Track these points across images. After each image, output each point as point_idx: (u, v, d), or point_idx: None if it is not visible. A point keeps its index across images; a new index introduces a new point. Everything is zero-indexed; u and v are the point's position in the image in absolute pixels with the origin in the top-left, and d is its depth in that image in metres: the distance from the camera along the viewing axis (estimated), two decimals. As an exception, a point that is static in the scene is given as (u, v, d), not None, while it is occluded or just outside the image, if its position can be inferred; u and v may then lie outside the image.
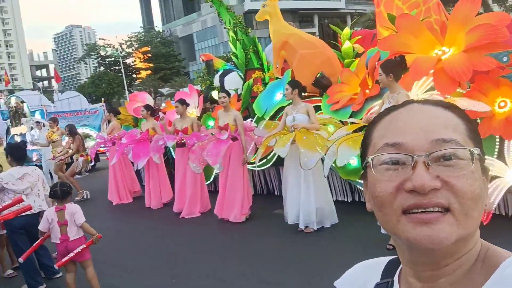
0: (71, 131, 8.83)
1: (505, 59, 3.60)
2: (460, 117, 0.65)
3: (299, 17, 52.46)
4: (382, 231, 4.21)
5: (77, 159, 8.73)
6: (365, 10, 42.04)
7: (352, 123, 4.73)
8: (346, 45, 6.56)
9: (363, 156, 0.71)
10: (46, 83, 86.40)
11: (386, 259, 0.79)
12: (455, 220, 0.59)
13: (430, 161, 0.60)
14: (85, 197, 8.69)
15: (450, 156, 0.60)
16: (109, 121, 8.94)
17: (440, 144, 0.61)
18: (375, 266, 0.80)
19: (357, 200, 5.87)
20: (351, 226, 5.05)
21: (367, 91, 5.44)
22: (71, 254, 3.71)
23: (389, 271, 0.76)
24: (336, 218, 5.13)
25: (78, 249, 3.73)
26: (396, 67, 4.07)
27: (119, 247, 5.41)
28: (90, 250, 3.90)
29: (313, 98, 6.08)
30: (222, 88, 8.00)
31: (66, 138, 9.43)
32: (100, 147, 9.50)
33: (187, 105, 6.47)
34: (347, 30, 6.70)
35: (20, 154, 4.40)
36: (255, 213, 5.97)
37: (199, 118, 7.85)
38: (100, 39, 54.35)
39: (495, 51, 4.21)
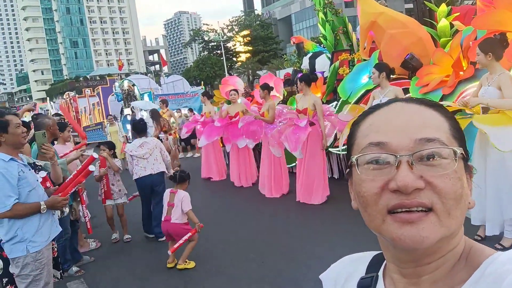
0: (154, 117, 9.56)
1: None
2: (444, 116, 0.66)
3: (404, -9, 49.08)
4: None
5: (166, 139, 9.50)
6: (482, -20, 37.82)
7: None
8: (442, 23, 6.09)
9: (348, 155, 0.72)
10: (157, 67, 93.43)
11: (371, 254, 0.81)
12: (438, 220, 0.60)
13: (414, 160, 0.60)
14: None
15: (433, 156, 0.61)
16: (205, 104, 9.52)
17: (424, 143, 0.61)
18: (360, 260, 0.81)
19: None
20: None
21: (461, 72, 5.04)
22: (180, 241, 4.16)
23: (374, 266, 0.78)
24: None
25: (186, 237, 4.15)
26: (496, 46, 3.68)
27: (208, 220, 5.84)
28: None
29: (402, 81, 5.81)
30: (310, 70, 8.03)
31: (172, 119, 10.32)
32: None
33: (270, 89, 6.62)
34: (444, 7, 6.20)
35: (140, 128, 5.34)
36: (331, 197, 5.98)
37: (285, 101, 8.00)
38: (204, 24, 57.04)
39: None
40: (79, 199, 4.60)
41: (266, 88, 6.49)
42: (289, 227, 5.23)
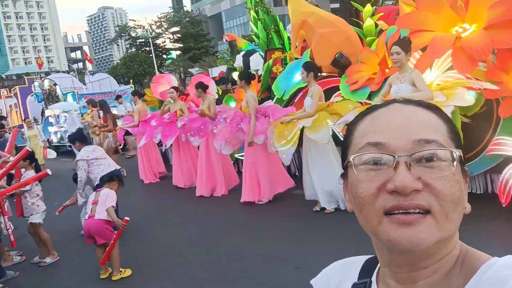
0: (104, 108, 9.14)
1: None
2: (441, 118, 0.65)
3: (329, -8, 51.07)
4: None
5: (106, 137, 9.07)
6: (398, -18, 40.39)
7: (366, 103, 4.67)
8: (368, 23, 6.39)
9: (343, 156, 0.70)
10: (80, 64, 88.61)
11: (363, 258, 0.79)
12: (436, 222, 0.59)
13: (412, 161, 0.59)
14: (125, 174, 9.08)
15: (431, 157, 0.60)
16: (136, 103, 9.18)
17: (422, 144, 0.60)
18: (352, 265, 0.79)
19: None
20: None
21: (386, 70, 5.33)
22: (108, 249, 3.92)
23: (366, 271, 0.76)
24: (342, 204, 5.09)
25: (112, 242, 3.91)
26: (409, 46, 3.97)
27: (146, 223, 5.66)
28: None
29: (332, 78, 6.01)
30: (245, 68, 8.04)
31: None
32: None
33: (205, 87, 6.54)
34: (369, 7, 6.51)
35: (84, 137, 5.48)
36: (276, 194, 6.05)
37: (220, 99, 7.96)
38: (130, 20, 55.03)
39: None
40: (0, 210, 4.21)
41: (201, 87, 6.40)
42: (233, 226, 5.21)
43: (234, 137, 5.75)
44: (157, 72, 41.33)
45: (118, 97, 9.05)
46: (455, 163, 0.61)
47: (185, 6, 66.31)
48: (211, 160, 6.49)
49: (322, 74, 6.04)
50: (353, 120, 0.71)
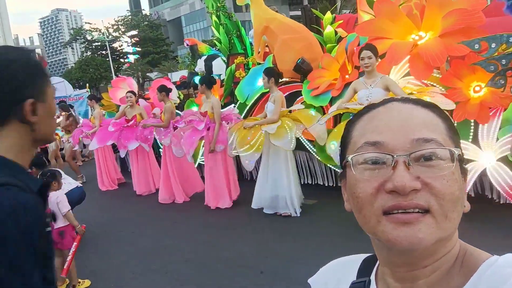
0: (64, 108, 8.76)
1: (476, 46, 3.62)
2: (440, 116, 0.65)
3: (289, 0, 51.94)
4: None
5: (68, 141, 8.70)
6: (355, -8, 41.66)
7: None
8: (328, 30, 6.53)
9: (342, 155, 0.69)
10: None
11: (361, 257, 0.79)
12: (435, 222, 0.59)
13: (411, 161, 0.59)
14: (84, 180, 8.74)
15: (430, 156, 0.59)
16: (92, 108, 8.88)
17: (421, 144, 0.60)
18: (350, 264, 0.79)
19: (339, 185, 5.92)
20: (329, 210, 5.13)
21: (346, 76, 5.45)
22: (69, 259, 3.63)
23: (365, 269, 0.75)
24: (290, 207, 5.14)
25: (73, 250, 3.66)
26: (377, 51, 4.06)
27: (104, 232, 5.46)
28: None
29: (294, 84, 6.08)
30: (207, 73, 7.98)
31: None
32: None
33: (168, 91, 6.43)
34: (329, 15, 6.66)
35: (40, 162, 4.83)
36: (239, 199, 6.03)
37: (182, 104, 7.85)
38: (86, 23, 53.47)
39: (471, 36, 4.24)
40: None
41: (164, 90, 6.28)
42: (194, 233, 5.12)
43: (188, 140, 5.65)
44: (114, 77, 40.33)
45: (92, 97, 8.61)
46: (454, 162, 0.60)
47: (143, 9, 65.06)
48: (172, 166, 6.37)
49: (285, 79, 6.11)
50: (352, 118, 0.71)
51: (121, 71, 46.91)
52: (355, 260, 0.79)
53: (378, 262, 0.72)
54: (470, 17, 4.12)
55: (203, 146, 6.23)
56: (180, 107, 7.65)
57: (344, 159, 0.66)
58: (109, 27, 49.84)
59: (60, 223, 3.82)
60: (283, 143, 4.80)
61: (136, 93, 7.58)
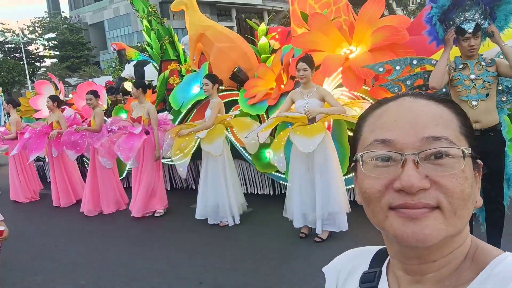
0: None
1: (380, 69, 3.90)
2: (453, 112, 0.64)
3: (217, 10, 52.30)
4: (295, 224, 4.37)
5: None
6: (281, 7, 43.09)
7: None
8: (263, 41, 6.66)
9: (352, 150, 0.70)
10: None
11: (375, 248, 0.79)
12: (444, 218, 0.58)
13: (420, 159, 0.59)
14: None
15: (440, 154, 0.59)
16: (8, 113, 8.14)
17: (431, 142, 0.59)
18: (364, 255, 0.79)
19: (277, 193, 5.98)
20: (265, 219, 5.17)
21: (282, 86, 5.58)
22: None
23: (377, 260, 0.76)
24: (238, 217, 5.13)
25: None
26: (313, 63, 4.19)
27: (23, 248, 4.97)
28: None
29: (231, 92, 6.09)
30: (137, 79, 7.71)
31: None
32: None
33: (97, 96, 6.12)
34: (263, 26, 6.80)
35: None
36: (172, 208, 5.87)
37: (110, 110, 7.50)
38: (-3, 22, 49.17)
39: (398, 51, 4.56)
40: None
41: (93, 94, 5.95)
42: (124, 245, 4.86)
43: (127, 145, 5.40)
44: (29, 81, 37.49)
45: (11, 101, 7.80)
46: (465, 159, 0.60)
47: (63, 12, 61.38)
48: (97, 176, 6.04)
49: (221, 87, 6.09)
50: (362, 114, 0.70)
51: (37, 76, 43.74)
52: (370, 251, 0.79)
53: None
54: (396, 34, 4.43)
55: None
56: (107, 113, 7.29)
57: (354, 155, 0.67)
58: (25, 29, 46.40)
59: None
60: (211, 148, 4.76)
61: (59, 97, 7.07)
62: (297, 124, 4.13)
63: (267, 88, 5.65)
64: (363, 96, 4.80)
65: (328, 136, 4.10)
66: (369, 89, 4.82)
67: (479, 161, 0.64)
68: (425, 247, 0.60)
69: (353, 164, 0.69)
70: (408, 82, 3.76)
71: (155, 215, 5.69)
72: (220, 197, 4.93)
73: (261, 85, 5.75)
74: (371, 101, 4.70)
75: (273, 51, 6.54)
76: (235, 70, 5.91)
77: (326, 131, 4.07)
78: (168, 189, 6.90)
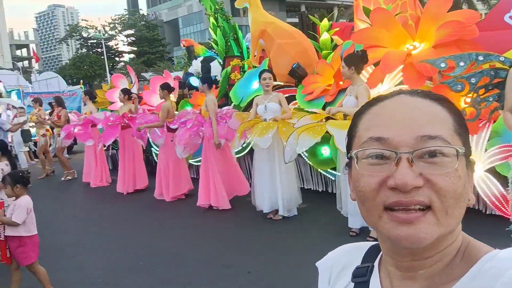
0: (59, 102, 8.73)
1: (442, 65, 3.68)
2: (449, 111, 0.64)
3: (286, 6, 52.22)
4: (349, 223, 4.34)
5: (58, 135, 8.65)
6: (352, 2, 42.09)
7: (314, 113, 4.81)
8: (324, 37, 6.60)
9: (348, 147, 0.70)
10: (26, 63, 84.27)
11: (368, 244, 0.80)
12: (436, 219, 0.59)
13: (414, 157, 0.59)
14: (75, 176, 8.69)
15: (435, 153, 0.59)
16: (85, 104, 8.85)
17: (425, 140, 0.59)
18: (357, 250, 0.80)
19: (329, 191, 5.95)
20: (318, 215, 5.16)
21: (340, 82, 5.51)
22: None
23: (370, 256, 0.77)
24: (295, 210, 5.17)
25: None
26: (357, 61, 4.15)
27: (86, 231, 5.44)
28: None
29: (289, 88, 6.13)
30: (203, 74, 8.01)
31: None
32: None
33: (171, 89, 6.46)
34: (325, 22, 6.73)
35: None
36: (235, 204, 6.02)
37: (176, 104, 7.86)
38: (82, 20, 53.29)
39: (464, 48, 4.32)
40: None
41: (167, 88, 6.29)
42: (178, 232, 5.11)
43: (191, 142, 5.68)
44: (108, 75, 40.16)
45: (88, 92, 8.58)
46: (458, 159, 0.60)
47: (141, 9, 64.83)
48: (167, 164, 6.38)
49: (279, 83, 6.16)
50: (358, 111, 0.71)
51: (116, 70, 46.77)
52: (363, 246, 0.80)
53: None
54: (463, 29, 4.20)
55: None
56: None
57: (349, 152, 0.68)
58: (106, 25, 49.74)
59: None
60: (261, 140, 4.76)
61: (130, 91, 7.56)
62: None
63: (325, 85, 5.62)
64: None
65: None
66: (432, 86, 4.61)
67: (472, 159, 0.64)
68: (417, 248, 0.61)
69: (347, 161, 0.69)
70: (473, 80, 3.55)
71: (219, 208, 5.86)
72: (274, 190, 4.99)
73: (320, 81, 5.73)
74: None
75: (335, 47, 6.47)
76: (294, 66, 5.94)
77: None
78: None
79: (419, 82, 4.37)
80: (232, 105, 6.56)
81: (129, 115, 7.04)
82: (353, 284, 0.74)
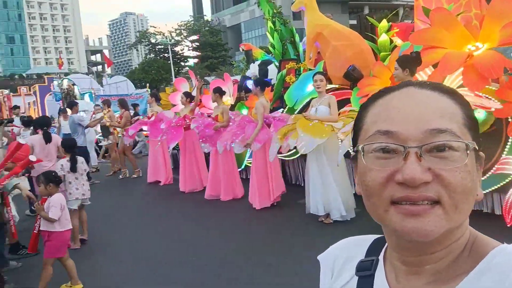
0: (123, 105, 9.33)
1: None
2: (458, 103, 0.62)
3: (349, 8, 51.32)
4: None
5: (123, 135, 9.22)
6: (419, 2, 40.35)
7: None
8: (383, 38, 6.45)
9: (354, 139, 0.68)
10: (100, 67, 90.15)
11: (372, 237, 0.78)
12: (444, 213, 0.58)
13: (423, 152, 0.57)
14: (140, 174, 9.21)
15: (444, 148, 0.58)
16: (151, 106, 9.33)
17: (434, 134, 0.58)
18: (360, 243, 0.79)
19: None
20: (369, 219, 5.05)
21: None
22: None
23: (374, 249, 0.75)
24: (353, 212, 5.12)
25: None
26: (411, 62, 4.02)
27: (145, 225, 5.75)
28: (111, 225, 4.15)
29: (344, 91, 6.07)
30: (261, 77, 8.15)
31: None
32: (143, 130, 10.06)
33: (222, 93, 6.67)
34: (384, 23, 6.58)
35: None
36: (280, 202, 6.09)
37: (233, 106, 8.06)
38: (151, 26, 56.00)
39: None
40: (4, 201, 4.30)
41: (218, 91, 6.51)
42: (233, 231, 5.25)
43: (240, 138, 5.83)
44: (173, 79, 41.83)
45: (153, 95, 9.15)
46: (468, 153, 0.58)
47: (205, 15, 67.04)
48: (219, 165, 6.57)
49: (334, 85, 6.11)
50: (364, 103, 0.69)
51: (181, 74, 48.62)
52: (366, 239, 0.79)
53: (387, 244, 0.72)
54: (531, 28, 3.93)
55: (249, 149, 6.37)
56: (231, 109, 7.86)
57: (356, 145, 0.66)
58: (172, 31, 51.91)
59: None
60: (308, 141, 4.76)
61: (191, 94, 7.89)
62: None
63: (381, 87, 5.47)
64: (488, 97, 4.36)
65: None
66: (496, 89, 4.36)
67: (481, 154, 0.63)
68: (424, 242, 0.59)
69: (353, 154, 0.68)
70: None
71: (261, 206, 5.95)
72: (326, 194, 4.97)
73: (376, 83, 5.59)
74: (497, 103, 4.24)
75: (395, 48, 6.29)
76: (349, 68, 5.87)
77: None
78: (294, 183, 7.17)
79: (481, 85, 4.15)
80: (286, 108, 6.61)
81: (190, 117, 7.32)
82: (357, 278, 0.73)
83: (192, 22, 54.54)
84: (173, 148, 9.60)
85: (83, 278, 3.89)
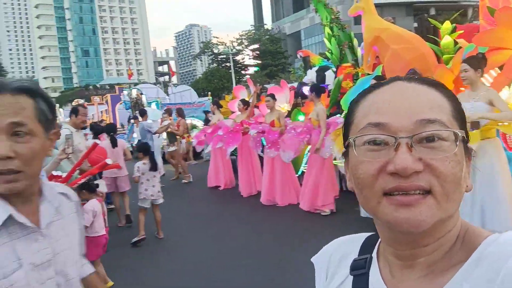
0: (179, 113, 9.75)
1: None
2: (446, 96, 0.64)
3: (414, 10, 49.47)
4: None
5: (180, 142, 9.64)
6: (491, 1, 37.98)
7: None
8: (446, 40, 6.21)
9: (345, 134, 0.69)
10: (166, 77, 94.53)
11: (364, 235, 0.79)
12: (436, 203, 0.58)
13: (413, 142, 0.59)
14: (191, 180, 9.57)
15: (434, 138, 0.59)
16: (214, 113, 9.65)
17: (424, 125, 0.59)
18: (352, 242, 0.79)
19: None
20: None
21: (461, 88, 5.12)
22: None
23: (367, 247, 0.75)
24: None
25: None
26: (482, 63, 3.82)
27: (203, 228, 5.96)
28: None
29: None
30: (320, 83, 8.15)
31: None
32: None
33: (275, 99, 6.76)
34: (447, 25, 6.34)
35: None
36: (338, 208, 6.04)
37: (290, 112, 8.11)
38: (214, 37, 57.81)
39: None
40: None
41: (273, 97, 6.63)
42: (283, 236, 5.28)
43: (299, 147, 5.88)
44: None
45: (215, 102, 9.55)
46: (457, 143, 0.60)
47: (265, 24, 67.98)
48: (274, 170, 6.64)
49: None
50: (355, 98, 0.70)
51: (241, 82, 49.56)
52: (358, 238, 0.79)
53: (379, 240, 0.73)
54: None
55: (307, 153, 6.39)
56: (288, 115, 7.93)
57: (347, 139, 0.67)
58: (234, 41, 53.16)
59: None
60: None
61: (248, 101, 8.06)
62: None
63: (444, 91, 5.27)
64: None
65: (492, 146, 3.72)
66: None
67: (470, 145, 0.64)
68: (417, 233, 0.60)
69: (344, 150, 0.69)
70: None
71: (321, 213, 5.95)
72: None
73: (438, 87, 5.40)
74: None
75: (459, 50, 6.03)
76: (409, 72, 5.70)
77: (492, 140, 3.72)
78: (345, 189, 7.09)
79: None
80: (343, 113, 6.55)
81: (247, 122, 7.50)
82: (351, 277, 0.73)
83: (253, 31, 55.50)
84: (231, 154, 9.86)
85: (144, 272, 4.13)
